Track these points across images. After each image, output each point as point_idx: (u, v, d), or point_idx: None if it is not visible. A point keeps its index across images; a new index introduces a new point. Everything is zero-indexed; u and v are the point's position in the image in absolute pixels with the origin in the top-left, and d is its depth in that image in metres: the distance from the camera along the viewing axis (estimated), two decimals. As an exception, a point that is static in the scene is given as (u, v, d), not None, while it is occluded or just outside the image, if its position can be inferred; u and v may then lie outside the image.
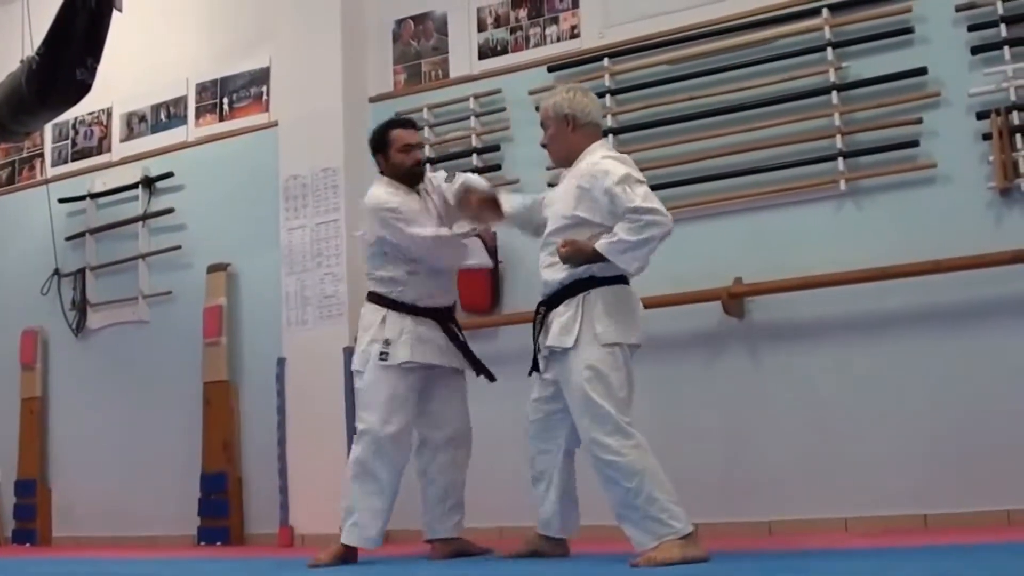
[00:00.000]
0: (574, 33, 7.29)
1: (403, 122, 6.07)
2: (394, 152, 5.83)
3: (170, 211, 8.63)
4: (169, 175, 8.67)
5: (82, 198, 9.06)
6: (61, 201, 9.06)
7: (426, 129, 7.63)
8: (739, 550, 5.01)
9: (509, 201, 5.46)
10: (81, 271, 8.98)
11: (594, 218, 4.81)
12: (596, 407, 4.65)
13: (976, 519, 5.66)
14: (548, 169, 7.08)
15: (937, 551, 4.31)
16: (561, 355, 4.78)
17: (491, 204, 5.48)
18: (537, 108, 7.12)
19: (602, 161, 4.87)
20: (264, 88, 8.35)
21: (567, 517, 5.14)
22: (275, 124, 8.12)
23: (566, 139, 5.08)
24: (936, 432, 5.89)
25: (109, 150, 9.11)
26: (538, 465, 5.10)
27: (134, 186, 8.80)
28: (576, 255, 4.75)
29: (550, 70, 7.26)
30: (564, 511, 5.11)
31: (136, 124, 8.99)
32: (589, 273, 4.79)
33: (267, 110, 8.30)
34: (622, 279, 4.87)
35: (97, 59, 6.93)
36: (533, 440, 5.11)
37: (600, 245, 4.69)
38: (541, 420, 5.06)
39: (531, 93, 7.25)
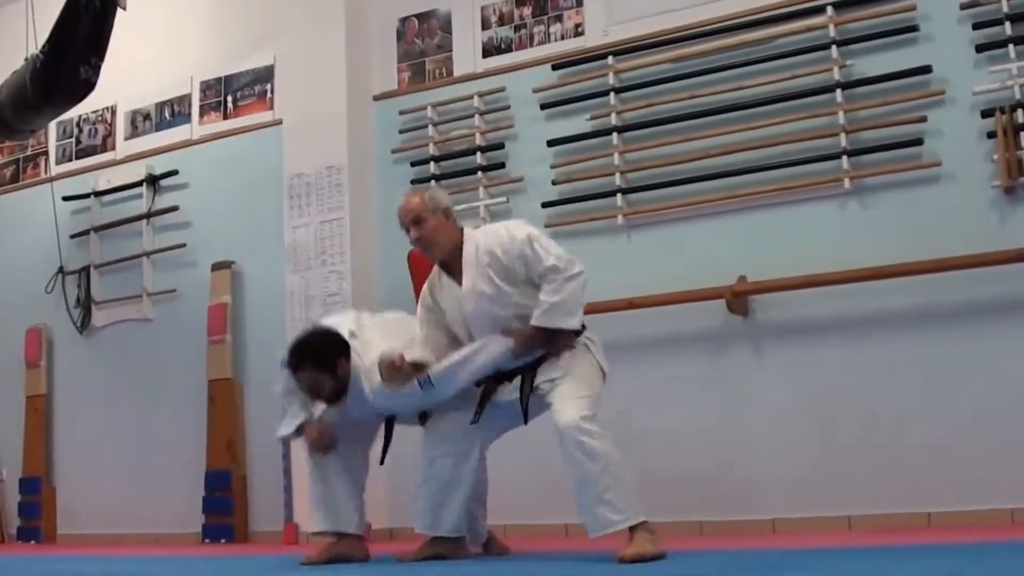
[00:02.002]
0: (578, 31, 7.28)
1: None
2: None
3: (174, 209, 8.63)
4: (173, 173, 8.68)
5: (86, 196, 9.06)
6: (65, 199, 9.07)
7: (430, 127, 7.64)
8: (742, 548, 5.02)
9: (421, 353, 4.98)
10: (85, 269, 8.99)
11: (515, 288, 4.82)
12: (586, 390, 4.67)
13: (980, 518, 5.66)
14: (552, 167, 7.09)
15: (940, 550, 4.31)
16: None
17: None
18: (542, 107, 7.19)
19: (504, 230, 4.91)
20: (268, 86, 8.35)
21: (478, 518, 5.22)
22: (279, 122, 8.13)
23: (447, 230, 4.96)
24: (940, 430, 5.89)
25: (113, 148, 9.12)
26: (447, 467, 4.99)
27: (138, 184, 8.81)
28: (528, 347, 4.75)
29: (554, 68, 7.26)
30: (473, 512, 5.15)
31: (140, 122, 8.99)
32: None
33: (271, 108, 8.30)
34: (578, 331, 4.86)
35: (101, 57, 6.93)
36: (446, 443, 5.02)
37: (539, 320, 4.70)
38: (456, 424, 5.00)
39: (535, 91, 7.26)
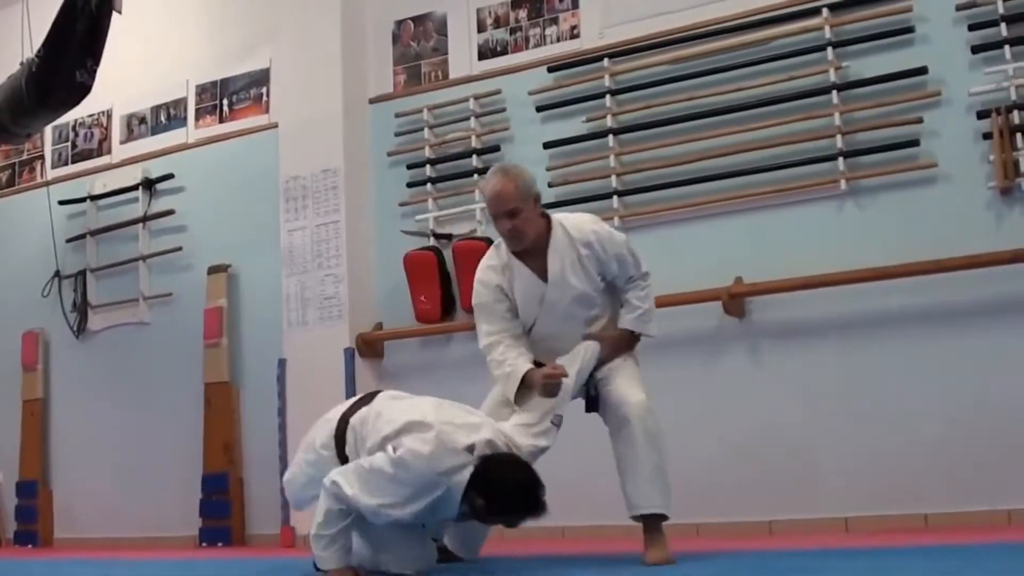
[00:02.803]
0: (574, 33, 7.28)
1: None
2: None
3: (170, 213, 8.63)
4: (169, 177, 8.67)
5: (82, 200, 9.06)
6: (61, 203, 9.06)
7: (426, 130, 7.63)
8: (739, 550, 5.01)
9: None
10: (82, 273, 8.98)
11: (600, 285, 4.83)
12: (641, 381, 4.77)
13: (977, 519, 5.66)
14: (548, 170, 7.09)
15: (938, 551, 4.31)
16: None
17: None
18: (538, 109, 7.19)
19: (594, 224, 4.86)
20: (264, 89, 8.35)
21: None
22: (275, 125, 8.12)
23: (536, 218, 4.81)
24: (937, 432, 5.88)
25: (109, 152, 9.11)
26: None
27: (134, 188, 8.80)
28: (617, 351, 4.81)
29: (550, 70, 7.26)
30: None
31: (136, 126, 8.99)
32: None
33: (267, 111, 8.30)
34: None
35: (97, 61, 6.94)
36: None
37: (633, 325, 4.84)
38: None
39: (531, 93, 7.26)
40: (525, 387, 4.66)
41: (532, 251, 4.80)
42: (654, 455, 4.54)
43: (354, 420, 4.53)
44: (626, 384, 4.71)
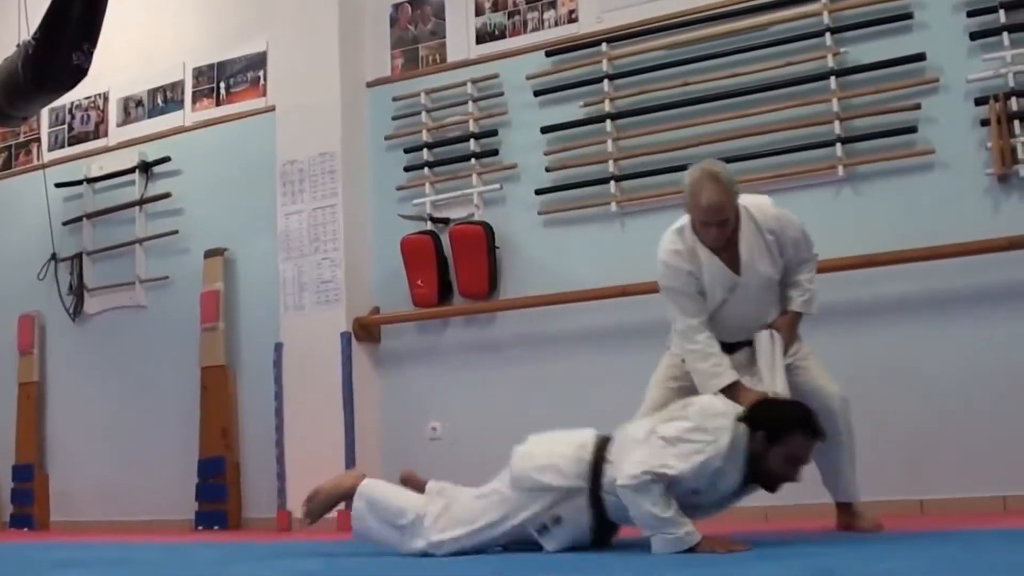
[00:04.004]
0: (572, 17, 7.27)
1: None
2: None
3: (167, 196, 8.62)
4: (166, 160, 8.66)
5: (79, 183, 9.04)
6: (58, 186, 9.04)
7: (423, 114, 7.62)
8: (735, 536, 5.01)
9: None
10: (78, 256, 8.97)
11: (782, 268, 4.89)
12: None
13: (972, 505, 5.68)
14: (546, 154, 7.09)
15: (933, 537, 4.32)
16: None
17: None
18: (536, 94, 7.18)
19: (774, 209, 4.90)
20: (261, 73, 8.33)
21: None
22: (272, 109, 8.10)
23: (736, 217, 4.77)
24: (933, 418, 5.90)
25: (106, 135, 9.10)
26: None
27: (131, 171, 8.79)
28: (794, 336, 4.91)
29: (548, 55, 7.25)
30: None
31: (133, 108, 8.97)
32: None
33: (264, 95, 8.28)
34: None
35: (93, 43, 6.90)
36: None
37: (803, 307, 4.90)
38: None
39: (529, 78, 7.25)
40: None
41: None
42: (854, 447, 4.83)
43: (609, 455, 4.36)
44: (820, 374, 4.91)
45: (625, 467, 4.13)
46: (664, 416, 4.36)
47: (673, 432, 4.20)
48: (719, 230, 4.70)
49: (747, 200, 4.86)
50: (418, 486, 4.65)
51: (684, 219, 4.86)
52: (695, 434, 4.17)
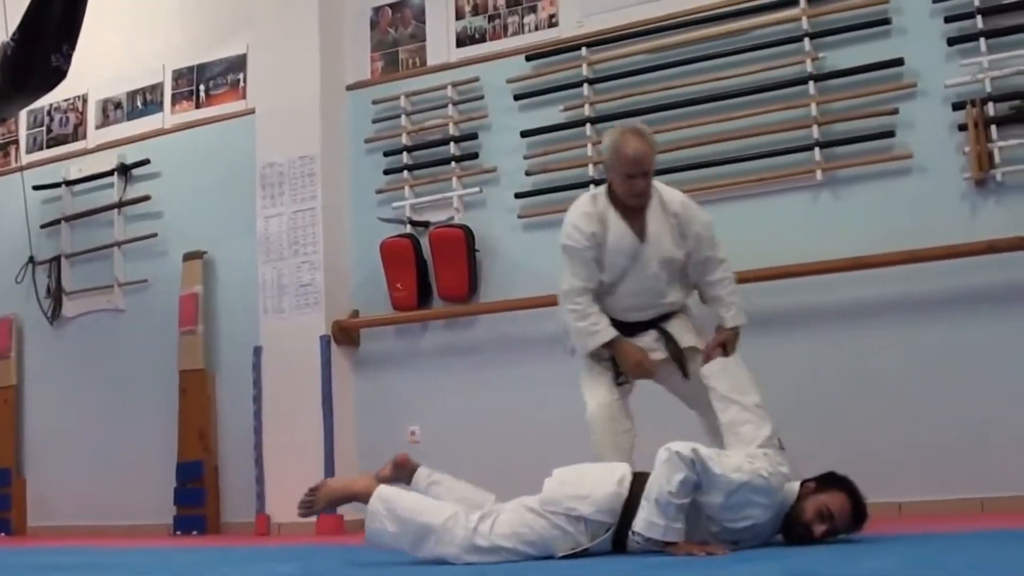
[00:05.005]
0: (552, 22, 7.28)
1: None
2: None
3: (146, 199, 8.59)
4: (145, 162, 8.63)
5: (57, 185, 9.01)
6: (36, 188, 9.01)
7: (403, 117, 7.62)
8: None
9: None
10: (56, 259, 8.94)
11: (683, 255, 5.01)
12: None
13: (950, 507, 5.71)
14: (526, 158, 7.09)
15: (911, 539, 4.33)
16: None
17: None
18: (516, 97, 7.18)
19: (683, 197, 5.06)
20: (241, 75, 8.32)
21: None
22: (252, 111, 8.09)
23: None
24: (911, 420, 5.92)
25: (85, 137, 9.07)
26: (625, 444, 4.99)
27: (110, 173, 8.76)
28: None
29: (528, 59, 7.26)
30: None
31: (112, 111, 8.95)
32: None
33: (244, 97, 8.27)
34: None
35: (73, 45, 6.89)
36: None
37: (737, 320, 5.03)
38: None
39: (509, 82, 7.26)
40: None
41: (632, 209, 4.94)
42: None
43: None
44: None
45: (681, 444, 4.12)
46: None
47: (740, 456, 4.25)
48: (644, 181, 4.86)
49: (658, 183, 5.02)
50: (411, 471, 4.64)
51: (598, 188, 5.11)
52: (755, 463, 4.20)
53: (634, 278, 4.96)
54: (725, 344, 4.98)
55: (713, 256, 5.04)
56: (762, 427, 4.55)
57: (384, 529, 4.29)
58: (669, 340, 5.05)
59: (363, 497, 4.35)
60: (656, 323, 5.08)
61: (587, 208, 4.99)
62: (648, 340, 5.05)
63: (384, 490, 4.36)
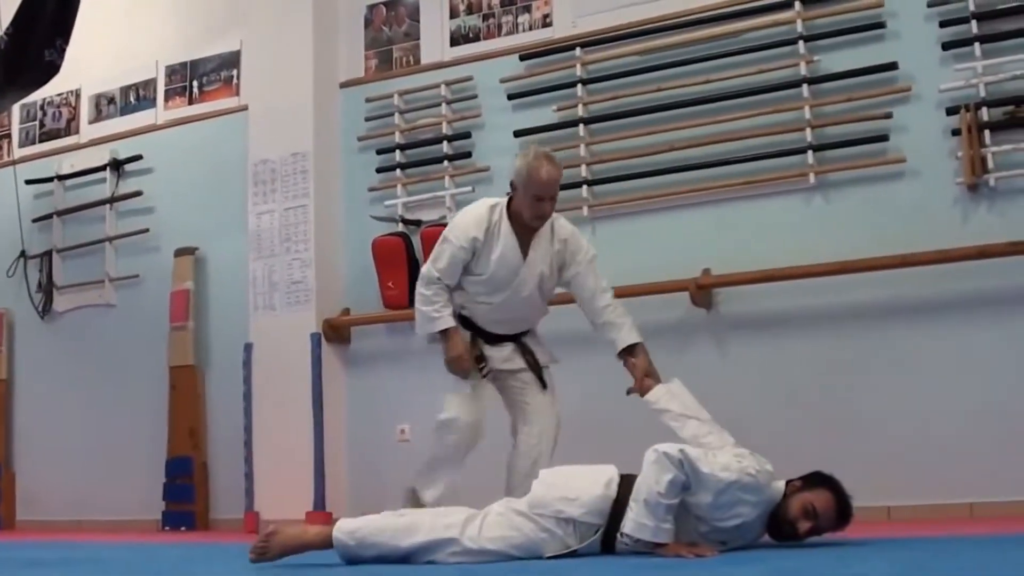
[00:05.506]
0: (546, 22, 7.28)
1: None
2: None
3: (138, 194, 8.58)
4: (137, 158, 8.62)
5: (49, 180, 9.00)
6: (28, 183, 8.99)
7: (396, 115, 7.62)
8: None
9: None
10: (48, 253, 8.93)
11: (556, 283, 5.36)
12: None
13: (939, 512, 5.71)
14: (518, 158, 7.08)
15: (900, 543, 4.33)
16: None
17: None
18: (509, 97, 7.18)
19: (574, 228, 5.36)
20: (234, 72, 8.31)
21: None
22: (245, 108, 8.08)
23: None
24: (900, 424, 5.93)
25: (77, 132, 9.06)
26: None
27: (102, 168, 8.75)
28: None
29: (522, 58, 7.25)
30: None
31: (105, 106, 8.93)
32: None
33: (237, 94, 8.26)
34: None
35: (66, 40, 6.86)
36: None
37: (636, 337, 5.19)
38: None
39: (503, 81, 7.25)
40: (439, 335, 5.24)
41: (524, 228, 5.18)
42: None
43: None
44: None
45: (671, 446, 4.13)
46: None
47: (728, 456, 4.25)
48: (551, 204, 5.12)
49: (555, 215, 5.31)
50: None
51: (497, 199, 5.30)
52: (743, 461, 4.20)
53: (509, 293, 5.21)
54: (648, 373, 5.08)
55: (599, 285, 5.27)
56: (724, 435, 4.58)
57: (360, 555, 4.15)
58: (527, 352, 5.33)
59: (317, 545, 4.23)
60: (516, 337, 5.36)
61: (482, 214, 5.22)
62: (507, 351, 5.34)
63: (345, 523, 4.22)
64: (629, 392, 5.00)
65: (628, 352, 5.16)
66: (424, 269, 5.32)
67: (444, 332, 5.22)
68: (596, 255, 5.32)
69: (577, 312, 6.65)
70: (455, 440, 5.24)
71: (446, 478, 5.26)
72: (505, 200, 5.25)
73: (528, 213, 5.11)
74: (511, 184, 5.20)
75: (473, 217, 5.23)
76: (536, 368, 5.33)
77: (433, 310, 5.22)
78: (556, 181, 5.12)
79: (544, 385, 5.34)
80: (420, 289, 5.29)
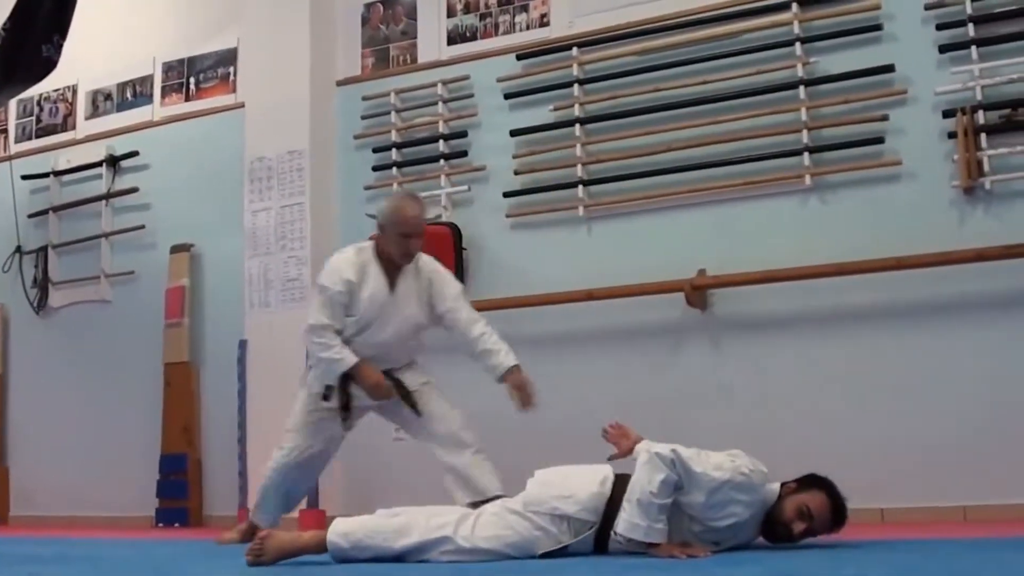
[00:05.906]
0: (543, 21, 7.28)
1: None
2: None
3: (134, 190, 8.57)
4: (134, 154, 8.62)
5: (46, 175, 8.99)
6: (24, 178, 8.99)
7: (393, 114, 7.62)
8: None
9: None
10: (43, 249, 8.92)
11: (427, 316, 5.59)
12: None
13: (933, 514, 5.72)
14: (515, 157, 7.09)
15: (894, 545, 4.34)
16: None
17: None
18: (506, 96, 7.18)
19: (439, 265, 5.67)
20: (231, 69, 8.30)
21: None
22: (242, 105, 8.08)
23: None
24: (895, 427, 5.93)
25: (74, 127, 9.05)
26: None
27: (98, 164, 8.74)
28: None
29: (519, 58, 7.25)
30: None
31: (101, 102, 8.93)
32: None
33: (234, 91, 8.25)
34: None
35: (63, 36, 6.89)
36: None
37: (514, 359, 5.44)
38: None
39: (499, 80, 7.25)
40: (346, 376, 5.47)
41: (391, 266, 5.51)
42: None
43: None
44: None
45: (664, 446, 4.13)
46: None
47: (721, 455, 4.26)
48: (419, 242, 5.46)
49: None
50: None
51: (362, 243, 5.65)
52: (736, 460, 4.20)
53: (379, 329, 5.47)
54: (529, 395, 5.39)
55: (471, 316, 5.53)
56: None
57: (352, 550, 4.15)
58: (398, 385, 5.55)
59: (312, 548, 4.22)
60: (388, 372, 5.56)
61: (352, 257, 5.51)
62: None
63: (340, 526, 4.21)
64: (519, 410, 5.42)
65: (508, 374, 5.39)
66: (311, 320, 5.48)
67: (355, 367, 5.42)
68: (463, 288, 5.66)
69: (571, 314, 6.70)
70: (270, 478, 5.79)
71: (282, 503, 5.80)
72: (371, 244, 5.57)
73: (397, 251, 5.44)
74: (378, 226, 5.52)
75: (343, 261, 5.50)
76: (407, 397, 5.56)
77: (334, 352, 5.42)
78: (422, 219, 5.49)
79: (417, 412, 5.56)
80: (313, 339, 5.47)
